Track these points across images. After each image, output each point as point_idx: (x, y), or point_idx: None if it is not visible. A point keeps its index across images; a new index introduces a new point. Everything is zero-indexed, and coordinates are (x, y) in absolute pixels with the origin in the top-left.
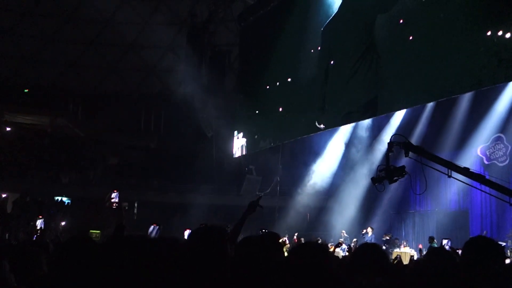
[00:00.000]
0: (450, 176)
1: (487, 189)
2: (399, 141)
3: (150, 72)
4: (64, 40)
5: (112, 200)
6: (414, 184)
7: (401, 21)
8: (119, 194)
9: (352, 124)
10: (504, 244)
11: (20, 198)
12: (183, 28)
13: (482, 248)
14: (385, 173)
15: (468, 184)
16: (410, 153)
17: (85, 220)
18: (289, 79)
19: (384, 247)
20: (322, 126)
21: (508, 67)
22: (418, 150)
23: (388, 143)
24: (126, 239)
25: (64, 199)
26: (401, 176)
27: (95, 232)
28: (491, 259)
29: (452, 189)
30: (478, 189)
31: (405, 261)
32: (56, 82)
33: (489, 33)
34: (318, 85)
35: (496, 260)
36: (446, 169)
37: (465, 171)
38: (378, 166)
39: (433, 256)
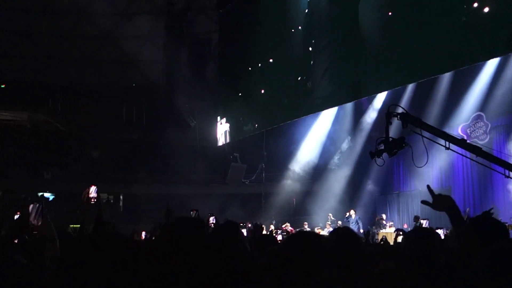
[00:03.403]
0: (448, 148)
1: (478, 161)
2: (397, 112)
3: (129, 63)
4: (40, 33)
5: (91, 196)
6: (401, 160)
7: None
8: (98, 188)
9: (335, 108)
10: None
11: (3, 194)
12: (161, 17)
13: (486, 228)
14: (384, 146)
15: (465, 156)
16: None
17: (66, 215)
18: (271, 60)
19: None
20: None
21: (487, 44)
22: (416, 121)
23: (386, 114)
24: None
25: (47, 195)
26: (401, 148)
27: (78, 226)
28: (495, 239)
29: (435, 168)
30: (475, 160)
31: (391, 241)
32: (33, 76)
33: (468, 7)
34: (300, 66)
35: (501, 240)
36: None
37: (462, 143)
38: (377, 139)
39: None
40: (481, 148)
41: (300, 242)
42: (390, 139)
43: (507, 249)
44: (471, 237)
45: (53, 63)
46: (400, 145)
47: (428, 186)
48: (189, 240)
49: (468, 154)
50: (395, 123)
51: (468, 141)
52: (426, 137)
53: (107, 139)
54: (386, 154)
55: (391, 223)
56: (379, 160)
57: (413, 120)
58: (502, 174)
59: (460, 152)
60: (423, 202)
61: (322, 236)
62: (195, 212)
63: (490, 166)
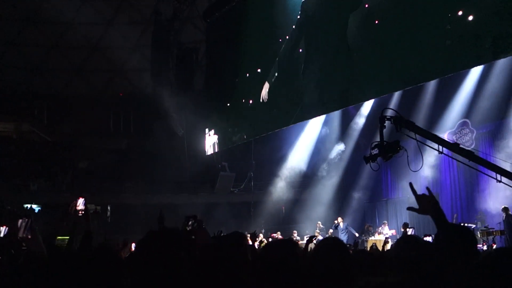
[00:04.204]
0: (441, 153)
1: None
2: (390, 115)
3: (116, 72)
4: (26, 43)
5: (78, 208)
6: (389, 168)
7: (366, 5)
8: (86, 200)
9: (323, 116)
10: (473, 226)
11: None
12: (148, 27)
13: (452, 235)
14: (378, 150)
15: (458, 161)
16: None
17: (53, 226)
18: (258, 70)
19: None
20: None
21: (472, 51)
22: (409, 125)
23: (380, 118)
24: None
25: (34, 206)
26: (396, 152)
27: (65, 238)
28: (462, 245)
29: (422, 175)
30: (467, 165)
31: (380, 248)
32: (19, 86)
33: (452, 15)
34: (289, 75)
35: (467, 246)
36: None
37: (455, 147)
38: (371, 143)
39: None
40: (473, 153)
41: (277, 249)
42: (384, 143)
43: (501, 256)
44: (454, 240)
45: (39, 73)
46: (395, 148)
47: (410, 184)
48: (167, 255)
49: (459, 159)
50: (385, 129)
51: (461, 146)
52: (420, 142)
53: (94, 149)
54: (379, 158)
55: (393, 231)
56: (373, 165)
57: (407, 124)
58: (494, 178)
59: (452, 156)
60: (409, 208)
61: (297, 244)
62: (192, 221)
63: (478, 169)
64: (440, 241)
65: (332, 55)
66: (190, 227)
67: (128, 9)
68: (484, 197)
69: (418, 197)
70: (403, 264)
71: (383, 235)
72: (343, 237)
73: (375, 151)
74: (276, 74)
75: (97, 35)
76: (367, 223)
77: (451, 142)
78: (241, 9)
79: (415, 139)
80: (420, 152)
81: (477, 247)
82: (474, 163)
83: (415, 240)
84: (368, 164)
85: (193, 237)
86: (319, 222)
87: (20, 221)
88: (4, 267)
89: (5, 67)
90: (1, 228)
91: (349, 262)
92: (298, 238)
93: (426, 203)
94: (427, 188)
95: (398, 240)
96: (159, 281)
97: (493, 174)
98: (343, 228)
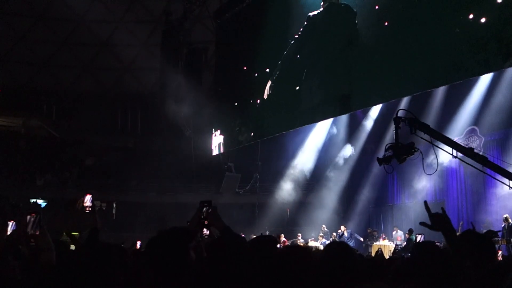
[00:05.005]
0: (455, 157)
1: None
2: (405, 117)
3: (125, 70)
4: (36, 39)
5: (85, 204)
6: (395, 172)
7: (377, 7)
8: (93, 196)
9: (330, 119)
10: None
11: None
12: (158, 26)
13: (472, 244)
14: (393, 152)
15: (473, 166)
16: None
17: (59, 221)
18: (267, 70)
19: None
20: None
21: (482, 57)
22: (425, 127)
23: (394, 118)
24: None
25: (40, 201)
26: (410, 154)
27: (74, 234)
28: (482, 254)
29: (428, 182)
30: (478, 169)
31: (385, 253)
32: (28, 82)
33: (463, 18)
34: (296, 76)
35: (487, 255)
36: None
37: (469, 152)
38: (386, 145)
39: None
40: (487, 158)
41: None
42: (399, 144)
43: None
44: (463, 246)
45: (48, 69)
46: (409, 150)
47: (425, 203)
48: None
49: (470, 163)
50: (388, 136)
51: (475, 151)
52: (434, 145)
53: (101, 146)
54: (378, 162)
55: (398, 237)
56: (387, 167)
57: (422, 126)
58: (506, 185)
59: (464, 160)
60: (422, 223)
61: (310, 250)
62: (207, 207)
63: (487, 173)
64: (457, 249)
65: (336, 58)
66: (204, 214)
67: (138, 7)
68: (491, 205)
69: (432, 215)
70: (419, 270)
71: (394, 241)
72: (350, 244)
73: (389, 153)
74: (277, 73)
75: (106, 33)
76: (371, 227)
77: (466, 147)
78: (252, 11)
79: (430, 142)
80: (435, 156)
81: (495, 254)
82: (483, 169)
83: (431, 246)
84: (376, 168)
85: (206, 222)
86: (323, 226)
87: (28, 216)
88: (11, 263)
89: (15, 63)
90: (9, 223)
91: (357, 267)
92: (302, 241)
93: (439, 221)
94: (442, 208)
95: (413, 245)
96: (168, 279)
97: (505, 180)
98: (348, 236)
